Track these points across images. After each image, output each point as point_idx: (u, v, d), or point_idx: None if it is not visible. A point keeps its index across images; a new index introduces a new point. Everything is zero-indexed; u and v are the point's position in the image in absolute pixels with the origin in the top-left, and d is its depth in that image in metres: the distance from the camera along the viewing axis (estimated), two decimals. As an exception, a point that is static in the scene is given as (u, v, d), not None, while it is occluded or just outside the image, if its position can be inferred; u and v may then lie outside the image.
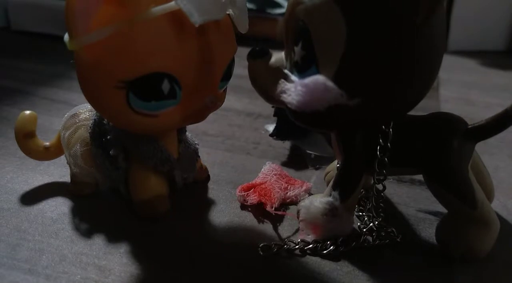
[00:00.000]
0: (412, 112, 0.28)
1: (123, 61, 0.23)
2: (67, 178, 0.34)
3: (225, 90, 0.30)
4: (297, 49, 0.24)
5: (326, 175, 0.35)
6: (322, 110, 0.23)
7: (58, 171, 0.36)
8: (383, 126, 0.26)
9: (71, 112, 0.33)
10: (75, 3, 0.21)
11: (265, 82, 0.27)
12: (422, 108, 0.28)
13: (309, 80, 0.23)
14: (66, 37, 0.23)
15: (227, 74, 0.28)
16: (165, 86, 0.24)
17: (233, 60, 0.28)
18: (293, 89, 0.24)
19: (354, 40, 0.22)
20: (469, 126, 0.27)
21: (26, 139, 0.34)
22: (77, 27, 0.22)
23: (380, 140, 0.26)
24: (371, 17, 0.22)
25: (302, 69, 0.24)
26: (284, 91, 0.25)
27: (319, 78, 0.23)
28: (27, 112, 0.34)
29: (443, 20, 0.23)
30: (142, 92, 0.24)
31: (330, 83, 0.22)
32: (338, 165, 0.33)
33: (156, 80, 0.24)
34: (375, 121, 0.26)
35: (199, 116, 0.28)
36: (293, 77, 0.25)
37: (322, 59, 0.23)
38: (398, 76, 0.23)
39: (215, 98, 0.27)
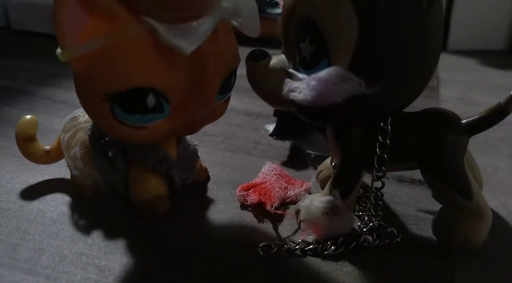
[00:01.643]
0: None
1: (107, 75, 0.23)
2: (67, 178, 0.34)
3: (227, 101, 0.29)
4: (303, 45, 0.24)
5: (318, 174, 0.35)
6: (340, 103, 0.23)
7: (58, 171, 0.36)
8: (381, 123, 0.26)
9: (71, 115, 0.33)
10: (64, 16, 0.21)
11: (269, 85, 0.26)
12: (422, 108, 0.28)
13: (323, 73, 0.23)
14: (58, 49, 0.23)
15: (226, 87, 0.27)
16: (150, 100, 0.24)
17: (233, 72, 0.27)
18: (305, 85, 0.24)
19: (366, 28, 0.22)
20: (463, 121, 0.27)
21: (27, 144, 0.34)
22: (65, 39, 0.22)
23: (379, 137, 0.26)
24: (380, 3, 0.22)
25: (311, 65, 0.24)
26: (292, 90, 0.24)
27: (334, 69, 0.23)
28: (28, 116, 0.34)
29: (442, 7, 0.24)
30: (126, 105, 0.24)
31: (347, 73, 0.22)
32: (333, 164, 0.33)
33: (140, 94, 0.23)
34: (389, 112, 0.26)
35: (190, 129, 0.27)
36: (301, 75, 0.25)
37: (334, 51, 0.23)
38: (412, 60, 0.23)
39: (209, 111, 0.26)
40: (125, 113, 0.24)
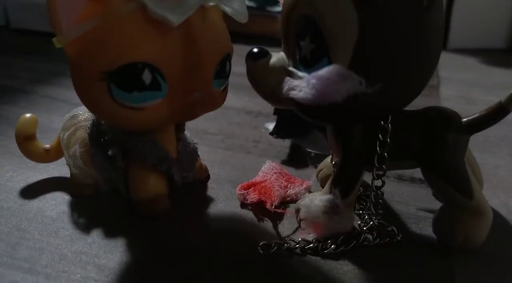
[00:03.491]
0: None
1: (102, 53, 0.24)
2: (67, 177, 0.34)
3: (225, 90, 0.29)
4: (304, 43, 0.24)
5: (318, 173, 0.35)
6: (340, 101, 0.23)
7: (58, 169, 0.36)
8: (382, 122, 0.26)
9: (70, 114, 0.33)
10: (57, 1, 0.22)
11: (269, 83, 0.26)
12: (423, 107, 0.28)
13: (323, 71, 0.23)
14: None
15: (222, 72, 0.28)
16: (146, 76, 0.24)
17: (227, 59, 0.28)
18: (305, 84, 0.24)
19: (366, 26, 0.22)
20: (464, 119, 0.27)
21: (26, 142, 0.34)
22: (60, 25, 0.23)
23: (380, 136, 0.26)
24: (380, 1, 0.22)
25: (311, 63, 0.24)
26: (292, 88, 0.24)
27: (334, 67, 0.22)
28: (28, 115, 0.34)
29: (442, 6, 0.24)
30: (122, 82, 0.24)
31: (347, 72, 0.22)
32: (334, 163, 0.33)
33: (136, 70, 0.24)
34: (389, 111, 0.26)
35: (189, 113, 0.27)
36: (301, 73, 0.25)
37: (335, 49, 0.23)
38: (412, 58, 0.23)
39: (207, 94, 0.27)
40: (123, 91, 0.24)
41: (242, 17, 0.28)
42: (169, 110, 0.26)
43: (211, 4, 0.26)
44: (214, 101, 0.28)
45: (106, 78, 0.24)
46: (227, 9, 0.27)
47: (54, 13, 0.23)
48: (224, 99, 0.30)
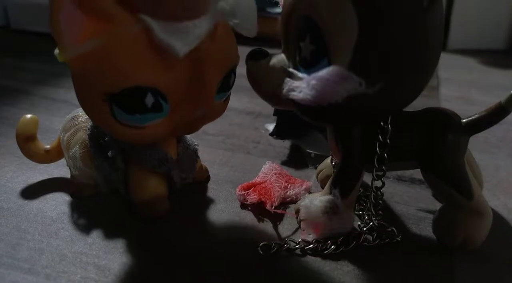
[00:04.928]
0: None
1: (105, 75, 0.23)
2: (67, 177, 0.34)
3: (226, 100, 0.29)
4: (303, 44, 0.24)
5: (318, 173, 0.35)
6: (340, 102, 0.23)
7: (58, 170, 0.36)
8: (382, 123, 0.26)
9: (71, 115, 0.33)
10: (60, 17, 0.21)
11: (269, 84, 0.26)
12: (423, 107, 0.28)
13: (323, 72, 0.23)
14: (56, 50, 0.23)
15: (225, 86, 0.27)
16: (149, 100, 0.24)
17: (232, 71, 0.27)
18: (305, 85, 0.24)
19: (366, 27, 0.22)
20: (463, 120, 0.27)
21: (27, 143, 0.34)
22: (63, 40, 0.22)
23: (380, 137, 0.26)
24: (380, 2, 0.22)
25: (311, 64, 0.24)
26: (292, 89, 0.24)
27: (334, 68, 0.22)
28: (28, 116, 0.34)
29: (442, 7, 0.24)
30: (125, 105, 0.24)
31: (347, 73, 0.22)
32: (333, 163, 0.33)
33: (138, 94, 0.23)
34: (389, 111, 0.26)
35: (190, 128, 0.27)
36: (301, 74, 0.25)
37: (334, 50, 0.23)
38: (412, 59, 0.23)
39: (209, 110, 0.26)
40: (124, 113, 0.24)
41: (251, 32, 0.27)
42: (169, 127, 0.26)
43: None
44: (215, 114, 0.28)
45: (108, 99, 0.24)
46: (234, 24, 0.26)
47: (58, 27, 0.22)
48: (225, 109, 0.29)
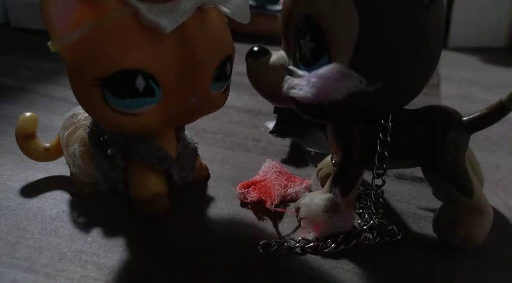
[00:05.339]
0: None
1: (95, 59, 0.24)
2: (66, 176, 0.34)
3: (226, 91, 0.29)
4: (304, 42, 0.24)
5: (318, 172, 0.35)
6: (341, 100, 0.23)
7: (58, 168, 0.36)
8: (382, 120, 0.26)
9: (70, 113, 0.33)
10: (51, 6, 0.22)
11: (270, 82, 0.26)
12: (423, 105, 0.28)
13: (323, 70, 0.23)
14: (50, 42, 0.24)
15: (221, 75, 0.27)
16: (140, 83, 0.24)
17: (228, 60, 0.27)
18: (305, 82, 0.24)
19: (366, 25, 0.22)
20: (464, 118, 0.27)
21: (26, 141, 0.34)
22: (54, 29, 0.23)
23: (380, 134, 0.26)
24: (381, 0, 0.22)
25: (311, 62, 0.24)
26: (292, 87, 0.24)
27: (335, 66, 0.22)
28: (28, 114, 0.34)
29: (443, 4, 0.24)
30: (116, 89, 0.24)
31: (347, 70, 0.22)
32: (334, 161, 0.33)
33: (129, 77, 0.24)
34: (390, 109, 0.26)
35: (186, 117, 0.27)
36: (301, 72, 0.24)
37: (335, 48, 0.23)
38: (413, 57, 0.23)
39: (205, 99, 0.26)
40: (116, 98, 0.24)
41: (244, 18, 0.27)
42: (164, 115, 0.26)
43: (210, 5, 0.25)
44: (212, 105, 0.28)
45: (99, 84, 0.24)
46: (227, 10, 0.26)
47: (48, 17, 0.22)
48: (225, 101, 0.29)
